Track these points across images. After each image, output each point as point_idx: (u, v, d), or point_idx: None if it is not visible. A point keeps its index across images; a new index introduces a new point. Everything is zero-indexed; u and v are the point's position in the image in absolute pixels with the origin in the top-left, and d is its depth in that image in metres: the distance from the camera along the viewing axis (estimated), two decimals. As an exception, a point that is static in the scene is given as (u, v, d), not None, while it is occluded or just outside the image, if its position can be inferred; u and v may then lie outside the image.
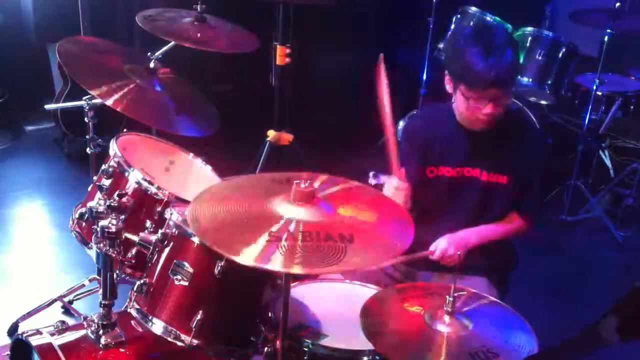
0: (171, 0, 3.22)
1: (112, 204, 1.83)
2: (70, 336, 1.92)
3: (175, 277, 1.84)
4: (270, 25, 3.73)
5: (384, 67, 2.10)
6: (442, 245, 2.19)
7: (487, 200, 2.27)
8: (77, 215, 2.24)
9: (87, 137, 2.65)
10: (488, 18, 4.05)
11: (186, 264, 1.84)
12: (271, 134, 3.78)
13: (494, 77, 2.07)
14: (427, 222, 2.18)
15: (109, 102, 2.31)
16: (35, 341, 1.88)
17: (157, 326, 1.84)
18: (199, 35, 2.73)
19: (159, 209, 2.13)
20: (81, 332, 1.92)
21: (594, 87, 4.06)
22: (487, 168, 2.25)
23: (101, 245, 1.81)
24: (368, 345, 1.69)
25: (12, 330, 2.71)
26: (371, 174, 2.22)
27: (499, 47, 2.09)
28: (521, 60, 3.99)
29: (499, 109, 2.14)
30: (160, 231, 1.91)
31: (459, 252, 2.04)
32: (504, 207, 2.30)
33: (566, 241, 4.05)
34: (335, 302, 2.06)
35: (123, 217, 1.86)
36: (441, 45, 4.34)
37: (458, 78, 2.15)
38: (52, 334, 1.91)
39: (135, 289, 1.89)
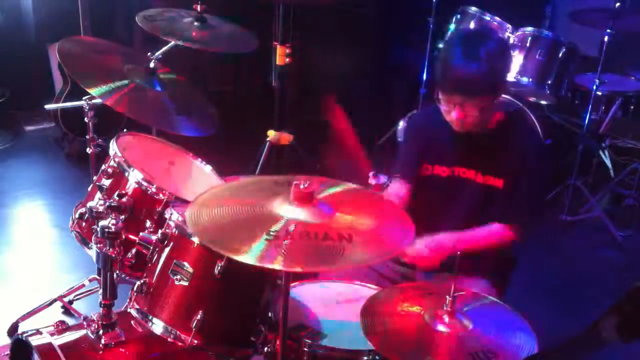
0: (171, 0, 3.22)
1: (112, 204, 1.83)
2: (70, 336, 1.92)
3: (175, 277, 1.84)
4: (270, 25, 3.73)
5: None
6: (416, 247, 2.09)
7: (484, 203, 2.24)
8: (77, 215, 2.25)
9: (87, 137, 2.66)
10: (487, 18, 4.05)
11: (186, 264, 1.84)
12: (271, 134, 3.79)
13: (457, 82, 2.04)
14: (423, 222, 2.15)
15: (109, 102, 2.31)
16: (35, 341, 1.88)
17: (157, 326, 1.84)
18: (199, 35, 2.73)
19: (159, 209, 2.12)
20: (81, 332, 1.92)
21: (594, 87, 4.06)
22: (482, 170, 2.22)
23: (101, 245, 1.81)
24: (368, 345, 1.69)
25: (12, 330, 2.71)
26: (371, 174, 2.22)
27: (477, 57, 2.02)
28: (521, 61, 3.99)
29: (469, 117, 2.09)
30: (160, 231, 1.91)
31: (458, 252, 2.03)
32: (502, 211, 2.23)
33: (566, 241, 4.04)
34: (335, 302, 2.06)
35: (123, 217, 1.86)
36: (441, 45, 4.34)
37: (435, 76, 2.14)
38: (52, 334, 1.91)
39: (135, 289, 1.89)
